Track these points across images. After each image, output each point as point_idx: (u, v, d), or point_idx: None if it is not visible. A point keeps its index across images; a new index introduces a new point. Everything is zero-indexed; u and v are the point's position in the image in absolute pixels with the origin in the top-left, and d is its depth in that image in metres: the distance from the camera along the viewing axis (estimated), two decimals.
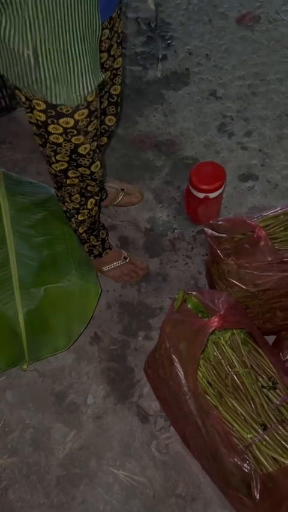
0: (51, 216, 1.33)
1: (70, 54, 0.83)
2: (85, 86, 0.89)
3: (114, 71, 1.20)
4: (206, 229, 1.29)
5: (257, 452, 0.95)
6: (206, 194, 1.46)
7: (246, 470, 0.91)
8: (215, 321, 0.93)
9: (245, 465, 0.91)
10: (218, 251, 1.23)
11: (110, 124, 1.31)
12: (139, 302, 1.46)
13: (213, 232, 1.27)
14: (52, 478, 1.18)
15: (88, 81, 0.88)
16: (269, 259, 1.12)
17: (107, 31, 1.06)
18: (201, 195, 1.46)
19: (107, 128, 1.32)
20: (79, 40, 0.83)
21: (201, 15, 2.26)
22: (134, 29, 2.21)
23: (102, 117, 1.25)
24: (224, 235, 1.26)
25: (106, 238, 1.43)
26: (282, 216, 1.30)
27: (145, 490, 1.16)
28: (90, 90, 0.90)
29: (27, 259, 1.21)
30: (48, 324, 1.22)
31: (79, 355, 1.36)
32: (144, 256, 1.55)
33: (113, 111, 1.30)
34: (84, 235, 1.34)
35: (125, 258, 1.47)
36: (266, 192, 1.69)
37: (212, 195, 1.46)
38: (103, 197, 1.56)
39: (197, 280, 1.50)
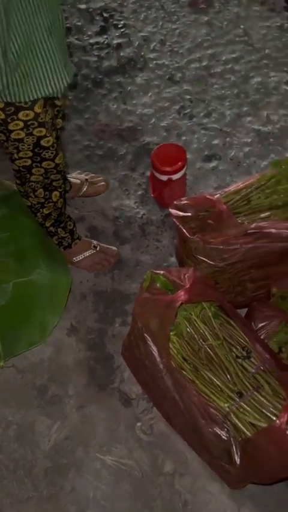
0: (16, 212, 1.32)
1: (39, 50, 0.83)
2: (59, 80, 0.88)
3: (58, 108, 1.20)
4: (171, 210, 1.30)
5: (235, 419, 0.97)
6: (169, 176, 1.46)
7: (225, 438, 0.92)
8: (181, 295, 0.94)
9: (224, 433, 0.93)
10: (184, 230, 1.24)
11: (59, 103, 1.29)
12: (113, 289, 1.47)
13: (178, 212, 1.28)
14: (39, 471, 1.18)
15: (61, 74, 0.88)
16: (233, 232, 1.13)
17: None
18: (164, 178, 1.47)
19: (59, 109, 1.30)
20: (46, 34, 0.83)
21: (152, 1, 2.26)
22: (87, 20, 2.19)
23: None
24: (189, 214, 1.28)
25: (74, 229, 1.43)
26: (244, 189, 1.32)
27: (133, 472, 1.17)
28: (64, 83, 0.89)
29: None
30: (21, 319, 1.21)
31: (57, 348, 1.35)
32: (114, 244, 1.55)
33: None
34: (51, 228, 1.34)
35: (95, 247, 1.47)
36: (230, 170, 1.71)
37: (175, 177, 1.47)
38: (67, 189, 1.55)
39: (169, 263, 1.51)
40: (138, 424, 1.23)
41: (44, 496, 1.15)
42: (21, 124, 0.95)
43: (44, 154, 1.05)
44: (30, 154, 1.04)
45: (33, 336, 1.25)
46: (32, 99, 0.90)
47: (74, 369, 1.32)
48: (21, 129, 0.97)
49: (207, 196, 1.18)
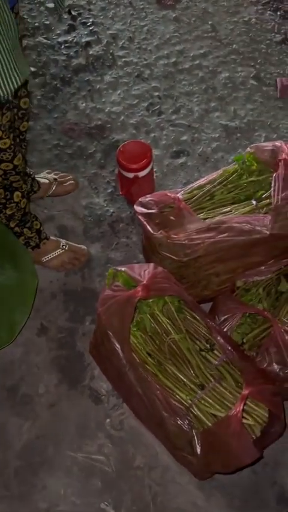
0: None
1: None
2: (9, 82, 0.89)
3: (23, 111, 1.20)
4: (135, 207, 1.31)
5: (197, 411, 0.99)
6: (135, 173, 1.47)
7: (187, 430, 0.94)
8: (138, 291, 0.95)
9: (186, 425, 0.94)
10: (148, 226, 1.25)
11: (25, 107, 1.29)
12: (84, 288, 1.48)
13: (143, 209, 1.29)
14: (11, 471, 1.19)
15: (12, 76, 0.88)
16: (192, 227, 1.15)
17: None
18: (130, 175, 1.48)
19: (24, 112, 1.30)
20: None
21: None
22: (55, 19, 2.18)
23: (17, 101, 1.23)
24: (153, 210, 1.29)
25: (41, 229, 1.43)
26: (208, 185, 1.33)
27: (104, 467, 1.19)
28: (15, 86, 0.90)
29: None
30: None
31: (27, 348, 1.36)
32: (85, 243, 1.56)
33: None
34: (16, 228, 1.34)
35: (64, 246, 1.48)
36: (199, 165, 1.72)
37: (141, 174, 1.48)
38: (35, 189, 1.55)
39: (139, 260, 1.51)
40: (108, 420, 1.24)
41: (15, 495, 1.16)
42: None
43: (2, 156, 1.05)
44: None
45: (1, 337, 1.25)
46: None
47: (44, 368, 1.33)
48: None
49: (167, 194, 1.20)
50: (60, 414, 1.26)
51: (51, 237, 1.48)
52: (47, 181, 1.61)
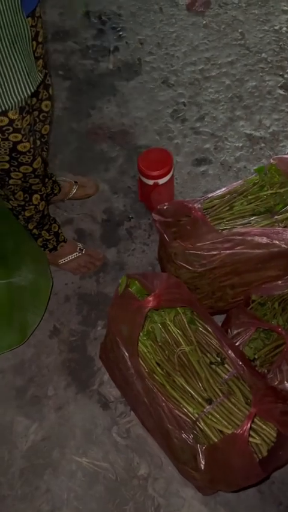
0: (0, 213, 1.33)
1: (2, 60, 0.84)
2: (22, 89, 0.90)
3: (44, 114, 1.20)
4: (153, 214, 1.30)
5: (204, 426, 0.97)
6: (155, 180, 1.47)
7: (192, 444, 0.93)
8: (149, 301, 0.95)
9: (190, 439, 0.93)
10: (164, 235, 1.24)
11: (46, 109, 1.30)
12: (98, 292, 1.48)
13: (160, 217, 1.28)
14: (16, 471, 1.20)
15: (25, 84, 0.90)
16: (209, 238, 1.13)
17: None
18: (150, 182, 1.48)
19: (46, 115, 1.31)
20: (9, 43, 0.84)
21: (151, 4, 2.26)
22: (85, 23, 2.20)
23: (38, 104, 1.24)
24: (171, 219, 1.28)
25: (59, 232, 1.44)
26: (228, 195, 1.32)
27: (108, 474, 1.18)
28: (28, 93, 0.91)
29: None
30: (1, 320, 1.23)
31: (39, 349, 1.37)
32: (101, 247, 1.56)
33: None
34: (35, 230, 1.35)
35: (81, 250, 1.48)
36: (220, 174, 1.70)
37: (161, 181, 1.47)
38: (56, 191, 1.56)
39: (155, 267, 1.51)
40: (115, 427, 1.24)
41: (18, 496, 1.16)
42: None
43: (21, 159, 1.06)
44: (8, 158, 1.05)
45: (13, 338, 1.26)
46: None
47: (54, 370, 1.34)
48: None
49: (185, 203, 1.19)
50: (67, 417, 1.26)
51: (69, 240, 1.49)
52: (67, 184, 1.62)
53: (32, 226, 1.32)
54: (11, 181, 1.13)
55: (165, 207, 1.29)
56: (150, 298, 0.95)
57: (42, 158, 1.14)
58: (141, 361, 1.02)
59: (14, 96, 0.89)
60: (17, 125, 0.97)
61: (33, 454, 1.22)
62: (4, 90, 0.88)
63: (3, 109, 0.90)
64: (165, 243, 1.24)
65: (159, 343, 1.08)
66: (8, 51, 0.84)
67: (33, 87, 0.90)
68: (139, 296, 1.04)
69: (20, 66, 0.87)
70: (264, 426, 0.94)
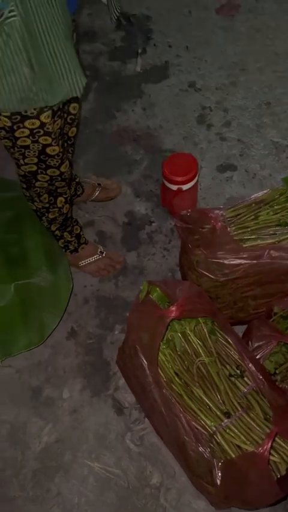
0: (24, 213, 1.33)
1: (60, 56, 0.85)
2: (77, 81, 0.90)
3: (72, 117, 1.20)
4: (176, 220, 1.29)
5: (221, 440, 0.95)
6: (179, 186, 1.45)
7: (208, 458, 0.91)
8: (172, 310, 0.93)
9: (207, 452, 0.91)
10: (187, 242, 1.22)
11: (74, 112, 1.29)
12: (116, 296, 1.47)
13: (183, 224, 1.27)
14: (28, 472, 1.19)
15: (75, 83, 0.90)
16: (230, 248, 1.11)
17: None
18: (174, 187, 1.46)
19: (73, 117, 1.31)
20: (64, 40, 0.85)
21: (181, 7, 2.25)
22: (113, 25, 2.20)
23: (66, 107, 1.24)
24: (193, 226, 1.26)
25: (81, 233, 1.43)
26: (253, 205, 1.29)
27: (119, 481, 1.17)
28: (83, 84, 0.91)
29: None
30: (20, 321, 1.23)
31: (56, 350, 1.36)
32: (121, 250, 1.55)
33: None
34: (57, 232, 1.35)
35: (102, 252, 1.48)
36: (245, 181, 1.68)
37: (185, 187, 1.46)
38: (79, 193, 1.56)
39: (174, 273, 1.49)
40: (129, 433, 1.22)
41: (29, 497, 1.16)
42: (27, 132, 0.96)
43: (50, 162, 1.06)
44: (36, 160, 1.05)
45: (32, 338, 1.26)
46: (54, 103, 0.91)
47: (70, 372, 1.33)
48: (27, 137, 0.98)
49: (209, 211, 1.17)
50: (81, 421, 1.26)
51: (90, 242, 1.48)
52: (90, 185, 1.62)
53: (54, 228, 1.32)
54: (37, 184, 1.13)
55: (188, 214, 1.28)
56: (173, 308, 0.93)
57: (69, 161, 1.14)
58: (159, 370, 1.00)
59: (62, 94, 0.89)
60: (48, 128, 0.97)
61: (46, 455, 1.21)
62: (56, 87, 0.88)
63: (51, 105, 0.91)
64: (188, 250, 1.23)
65: (179, 353, 1.06)
66: (63, 47, 0.85)
67: (82, 87, 0.90)
68: (160, 303, 1.03)
69: (72, 64, 0.87)
70: (283, 444, 0.92)
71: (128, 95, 1.95)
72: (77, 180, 1.54)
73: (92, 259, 1.47)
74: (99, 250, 1.48)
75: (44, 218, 1.26)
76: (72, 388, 1.31)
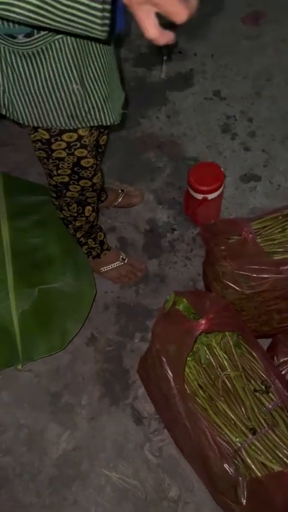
0: (49, 218, 1.33)
1: (111, 78, 0.86)
2: (110, 116, 0.91)
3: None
4: (202, 230, 1.28)
5: (246, 457, 0.94)
6: (205, 195, 1.44)
7: (233, 475, 0.89)
8: (202, 324, 0.92)
9: (232, 469, 0.90)
10: (213, 252, 1.21)
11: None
12: (137, 303, 1.46)
13: (209, 234, 1.26)
14: (45, 479, 1.19)
15: (112, 111, 0.91)
16: (260, 261, 1.10)
17: None
18: (199, 196, 1.45)
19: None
20: (111, 55, 0.85)
21: (206, 16, 2.24)
22: (139, 31, 2.20)
23: None
24: (220, 236, 1.25)
25: (104, 240, 1.43)
26: (280, 217, 1.28)
27: (137, 492, 1.16)
28: (112, 121, 0.92)
29: (22, 260, 1.22)
30: (43, 325, 1.22)
31: (75, 356, 1.36)
32: (143, 258, 1.54)
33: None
34: (82, 239, 1.35)
35: (124, 259, 1.47)
36: (268, 192, 1.67)
37: (210, 196, 1.45)
38: (103, 198, 1.56)
39: (196, 282, 1.48)
40: (148, 444, 1.21)
41: (45, 504, 1.15)
42: (64, 144, 0.96)
43: (83, 174, 1.05)
44: (69, 172, 1.04)
45: (53, 343, 1.25)
46: (109, 123, 0.91)
47: (89, 379, 1.32)
48: (64, 149, 0.97)
49: (237, 221, 1.16)
50: (100, 429, 1.25)
51: (113, 248, 1.48)
52: (114, 191, 1.61)
53: (80, 235, 1.32)
54: (68, 194, 1.12)
55: (214, 224, 1.27)
56: (203, 321, 0.92)
57: (101, 171, 1.13)
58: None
59: (116, 113, 0.89)
60: (84, 141, 0.96)
61: (63, 463, 1.20)
62: (110, 105, 0.88)
63: (112, 121, 0.91)
64: (213, 261, 1.22)
65: (203, 365, 1.05)
66: (114, 66, 0.85)
67: (116, 117, 0.91)
68: (188, 315, 1.02)
69: (116, 76, 0.87)
70: None
71: (152, 102, 1.95)
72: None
73: (114, 265, 1.46)
74: (121, 256, 1.47)
75: (70, 226, 1.26)
76: (91, 395, 1.30)
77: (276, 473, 0.85)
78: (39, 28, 0.66)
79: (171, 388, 1.00)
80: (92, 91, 0.85)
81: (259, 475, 0.90)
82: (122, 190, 1.62)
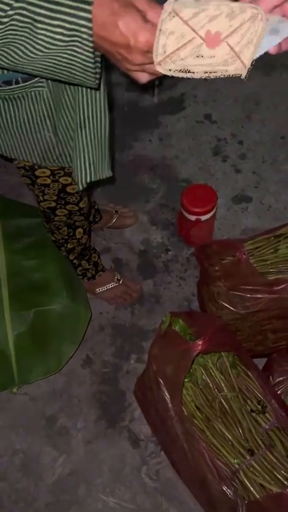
0: (44, 240, 1.34)
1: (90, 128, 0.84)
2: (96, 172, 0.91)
3: None
4: (196, 251, 1.30)
5: (244, 478, 0.93)
6: (198, 217, 1.47)
7: (232, 497, 0.89)
8: (199, 344, 0.93)
9: (231, 492, 0.89)
10: (208, 273, 1.23)
11: None
12: (132, 324, 1.46)
13: (203, 255, 1.28)
14: (40, 505, 1.17)
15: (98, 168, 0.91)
16: (254, 281, 1.12)
17: None
18: (193, 218, 1.48)
19: None
20: (77, 127, 0.83)
21: None
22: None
23: None
24: (214, 257, 1.27)
25: (99, 261, 1.44)
26: (272, 238, 1.31)
27: None
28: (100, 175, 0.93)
29: (17, 282, 1.23)
30: (38, 347, 1.22)
31: (70, 378, 1.35)
32: (137, 278, 1.56)
33: None
34: (75, 261, 1.36)
35: (119, 280, 1.48)
36: (260, 213, 1.70)
37: (203, 218, 1.47)
38: (97, 219, 1.58)
39: (190, 302, 1.49)
40: (145, 467, 1.20)
41: None
42: (48, 172, 0.98)
43: (69, 199, 1.07)
44: (55, 198, 1.06)
45: (49, 365, 1.25)
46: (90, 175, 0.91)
47: (85, 401, 1.32)
48: (48, 176, 0.99)
49: (231, 242, 1.18)
50: (96, 453, 1.24)
51: (107, 269, 1.49)
52: (108, 212, 1.63)
53: (73, 257, 1.33)
54: (56, 218, 1.14)
55: (208, 245, 1.29)
56: (200, 342, 0.93)
57: (88, 197, 1.14)
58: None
59: (89, 174, 0.90)
60: (69, 169, 0.98)
61: (59, 488, 1.19)
62: (83, 164, 0.87)
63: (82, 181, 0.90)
64: (208, 281, 1.23)
65: (200, 386, 1.06)
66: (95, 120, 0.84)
67: (106, 173, 0.92)
68: (184, 335, 1.03)
69: (102, 144, 0.87)
70: None
71: (145, 125, 1.99)
72: (95, 207, 1.55)
73: (109, 286, 1.47)
74: (116, 277, 1.48)
75: (63, 248, 1.28)
76: (87, 418, 1.29)
77: (275, 494, 0.85)
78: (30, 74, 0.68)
79: (168, 409, 1.00)
80: (63, 139, 0.87)
81: (258, 496, 0.90)
82: (116, 212, 1.65)
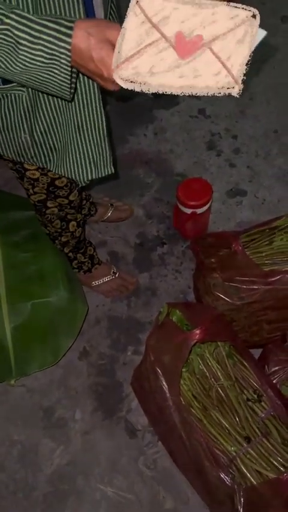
0: (41, 232, 1.34)
1: (63, 129, 0.87)
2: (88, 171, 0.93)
3: None
4: (192, 244, 1.31)
5: (241, 465, 0.95)
6: (194, 210, 1.48)
7: (229, 484, 0.90)
8: (196, 334, 0.94)
9: (228, 478, 0.91)
10: (204, 265, 1.24)
11: None
12: (128, 316, 1.47)
13: (199, 247, 1.29)
14: (39, 495, 1.17)
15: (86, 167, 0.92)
16: (250, 273, 1.13)
17: None
18: (188, 211, 1.49)
19: None
20: (74, 129, 0.86)
21: None
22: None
23: None
24: (210, 249, 1.28)
25: (94, 254, 1.45)
26: (267, 230, 1.32)
27: (132, 506, 1.16)
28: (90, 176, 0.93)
29: (14, 275, 1.23)
30: (36, 339, 1.23)
31: (67, 370, 1.36)
32: (133, 271, 1.56)
33: None
34: (70, 254, 1.36)
35: (115, 273, 1.49)
36: (254, 207, 1.72)
37: (199, 211, 1.48)
38: (92, 212, 1.58)
39: (186, 294, 1.51)
40: (142, 457, 1.21)
41: None
42: (36, 165, 0.98)
43: (58, 192, 1.07)
44: (45, 191, 1.06)
45: (46, 357, 1.25)
46: (55, 172, 0.94)
47: (82, 393, 1.32)
48: (36, 170, 0.99)
49: (227, 234, 1.19)
50: (93, 443, 1.25)
51: (104, 262, 1.49)
52: (103, 206, 1.64)
53: (67, 250, 1.33)
54: (47, 211, 1.14)
55: (204, 237, 1.30)
56: (197, 332, 0.94)
57: (78, 190, 1.14)
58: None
59: (65, 172, 0.91)
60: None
61: (58, 478, 1.20)
62: (59, 161, 0.89)
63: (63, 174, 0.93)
64: (204, 273, 1.25)
65: (197, 376, 1.07)
66: (74, 135, 0.86)
67: (67, 170, 0.92)
68: (181, 326, 1.04)
69: (81, 152, 0.89)
70: None
71: (140, 120, 1.99)
72: (90, 200, 1.56)
73: (105, 279, 1.48)
74: (112, 270, 1.49)
75: (57, 241, 1.28)
76: (84, 409, 1.30)
77: (271, 480, 0.87)
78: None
79: (166, 399, 1.01)
80: (40, 141, 0.89)
81: (254, 482, 0.92)
82: (111, 205, 1.65)
